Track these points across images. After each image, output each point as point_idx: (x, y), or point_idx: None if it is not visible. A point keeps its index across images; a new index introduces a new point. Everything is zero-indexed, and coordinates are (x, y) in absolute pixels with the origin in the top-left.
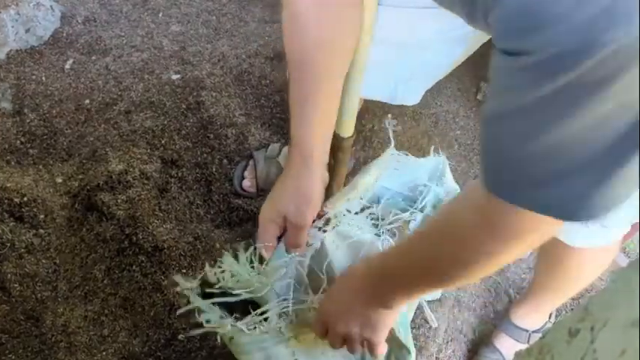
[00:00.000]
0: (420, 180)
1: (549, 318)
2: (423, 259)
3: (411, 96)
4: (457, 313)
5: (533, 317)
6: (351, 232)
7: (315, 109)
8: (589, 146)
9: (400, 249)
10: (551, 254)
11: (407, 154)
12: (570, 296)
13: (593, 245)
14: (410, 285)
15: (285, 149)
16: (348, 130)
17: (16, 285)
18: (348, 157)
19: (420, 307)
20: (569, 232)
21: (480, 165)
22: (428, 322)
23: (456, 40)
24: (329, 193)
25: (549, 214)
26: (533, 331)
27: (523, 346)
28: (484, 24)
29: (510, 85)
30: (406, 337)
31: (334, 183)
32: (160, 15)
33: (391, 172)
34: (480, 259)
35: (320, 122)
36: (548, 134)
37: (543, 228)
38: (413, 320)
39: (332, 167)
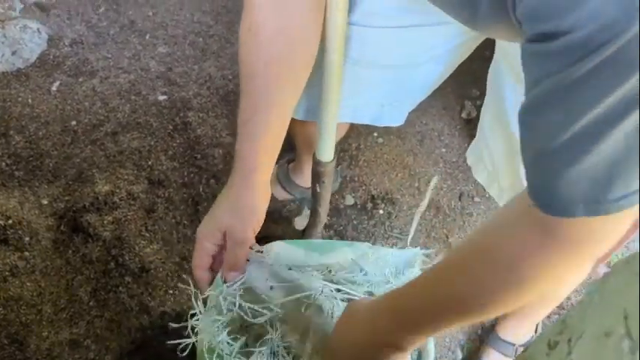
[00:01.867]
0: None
1: (535, 332)
2: (457, 291)
3: (396, 117)
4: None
5: (520, 331)
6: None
7: (264, 125)
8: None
9: (423, 281)
10: None
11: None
12: (553, 306)
13: None
14: (436, 322)
15: (274, 168)
16: (328, 155)
17: (0, 309)
18: (331, 181)
19: None
20: None
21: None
22: None
23: (437, 58)
24: (316, 219)
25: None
26: (521, 345)
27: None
28: (500, 19)
29: (546, 72)
30: None
31: (320, 209)
32: (147, 37)
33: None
34: (540, 281)
35: (267, 138)
36: (589, 115)
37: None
38: None
39: (316, 193)
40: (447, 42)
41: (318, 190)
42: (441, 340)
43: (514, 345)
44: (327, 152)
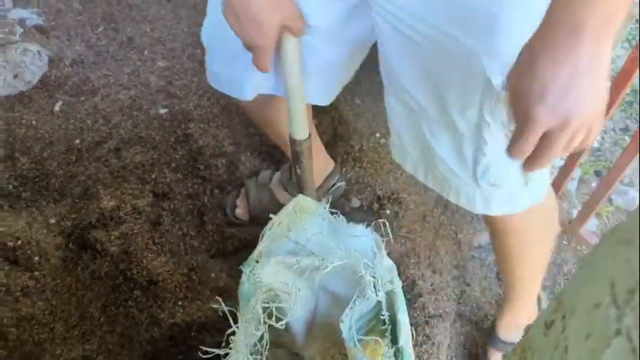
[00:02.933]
0: (357, 256)
1: None
2: None
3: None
4: (459, 327)
5: (515, 328)
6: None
7: None
8: None
9: None
10: (495, 237)
11: (339, 216)
12: (535, 276)
13: (524, 207)
14: None
15: (277, 175)
16: (303, 132)
17: (12, 329)
18: (311, 163)
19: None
20: (490, 203)
21: None
22: (430, 339)
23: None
24: None
25: None
26: None
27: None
28: None
29: None
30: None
31: (306, 193)
32: (146, 52)
33: (315, 232)
34: None
35: None
36: None
37: None
38: (414, 338)
39: (297, 176)
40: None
41: (299, 172)
42: (456, 337)
43: (514, 344)
44: (300, 130)
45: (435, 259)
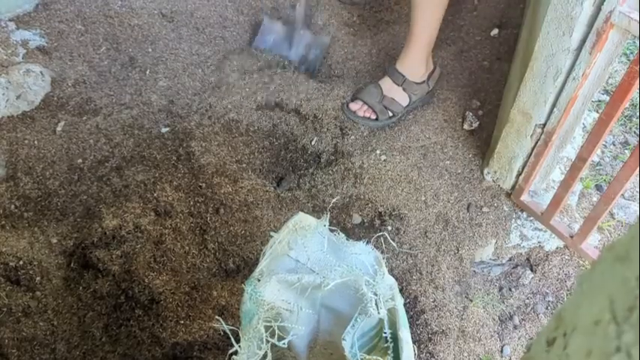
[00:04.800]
0: (358, 273)
1: (427, 78)
2: None
3: None
4: (463, 344)
5: (412, 67)
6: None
7: None
8: None
9: None
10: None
11: (339, 233)
12: (431, 30)
13: None
14: None
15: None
16: None
17: (13, 350)
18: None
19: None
20: None
21: None
22: (434, 356)
23: None
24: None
25: None
26: (412, 81)
27: (398, 88)
28: None
29: None
30: None
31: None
32: (148, 72)
33: (315, 250)
34: None
35: None
36: None
37: None
38: (417, 355)
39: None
40: None
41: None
42: (459, 354)
43: (404, 76)
44: None
45: (436, 274)
